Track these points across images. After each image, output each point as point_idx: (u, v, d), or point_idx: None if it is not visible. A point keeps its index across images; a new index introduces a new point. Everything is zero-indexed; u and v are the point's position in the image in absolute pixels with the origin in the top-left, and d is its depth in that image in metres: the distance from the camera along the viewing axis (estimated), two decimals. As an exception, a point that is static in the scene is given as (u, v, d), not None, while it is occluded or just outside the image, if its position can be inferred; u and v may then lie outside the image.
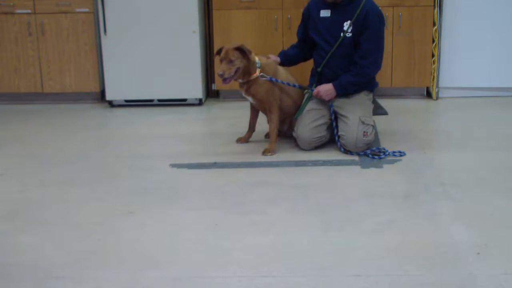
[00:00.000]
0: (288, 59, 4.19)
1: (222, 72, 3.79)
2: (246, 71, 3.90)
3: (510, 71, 5.40)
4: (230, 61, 3.81)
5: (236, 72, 3.84)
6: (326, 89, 3.94)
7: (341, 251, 2.63)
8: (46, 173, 3.76)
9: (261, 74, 3.93)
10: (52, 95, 5.68)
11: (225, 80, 3.83)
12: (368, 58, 3.83)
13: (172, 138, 4.47)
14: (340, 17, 3.82)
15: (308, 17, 4.03)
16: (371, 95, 4.07)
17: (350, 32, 3.84)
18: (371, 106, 4.08)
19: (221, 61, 3.86)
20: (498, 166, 3.69)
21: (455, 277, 2.39)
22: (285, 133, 4.28)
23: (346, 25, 3.79)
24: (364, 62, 3.84)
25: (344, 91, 3.93)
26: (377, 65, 3.91)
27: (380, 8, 3.89)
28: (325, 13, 3.90)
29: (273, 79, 3.96)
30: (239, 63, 3.83)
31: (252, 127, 4.25)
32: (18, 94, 5.66)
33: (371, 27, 3.76)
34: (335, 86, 3.92)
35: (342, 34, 3.83)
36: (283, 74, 4.08)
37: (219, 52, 3.90)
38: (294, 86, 4.06)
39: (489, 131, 4.46)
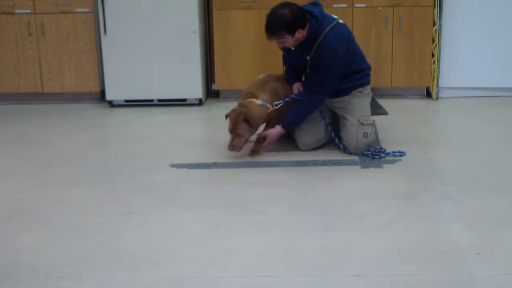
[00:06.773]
0: (296, 75, 4.13)
1: (233, 147, 3.83)
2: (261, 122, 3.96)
3: (510, 71, 5.40)
4: (238, 135, 3.82)
5: (244, 143, 3.88)
6: (273, 133, 3.94)
7: (341, 251, 2.63)
8: (46, 173, 3.76)
9: (274, 104, 3.94)
10: (52, 95, 5.68)
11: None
12: (316, 89, 3.86)
13: (172, 138, 4.47)
14: (302, 52, 3.86)
15: None
16: (367, 90, 4.04)
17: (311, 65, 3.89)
18: (369, 102, 4.05)
19: (230, 132, 3.86)
20: (498, 166, 3.68)
21: (455, 277, 2.39)
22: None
23: (308, 58, 3.82)
24: (311, 91, 3.88)
25: (289, 126, 3.95)
26: (322, 95, 3.90)
27: (342, 38, 3.79)
28: None
29: (285, 100, 3.96)
30: (247, 135, 3.86)
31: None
32: (18, 94, 5.65)
33: (322, 66, 3.79)
34: (282, 126, 3.94)
35: (306, 66, 3.88)
36: (275, 83, 4.04)
37: (227, 117, 3.91)
38: (296, 96, 4.00)
39: (489, 131, 4.45)
